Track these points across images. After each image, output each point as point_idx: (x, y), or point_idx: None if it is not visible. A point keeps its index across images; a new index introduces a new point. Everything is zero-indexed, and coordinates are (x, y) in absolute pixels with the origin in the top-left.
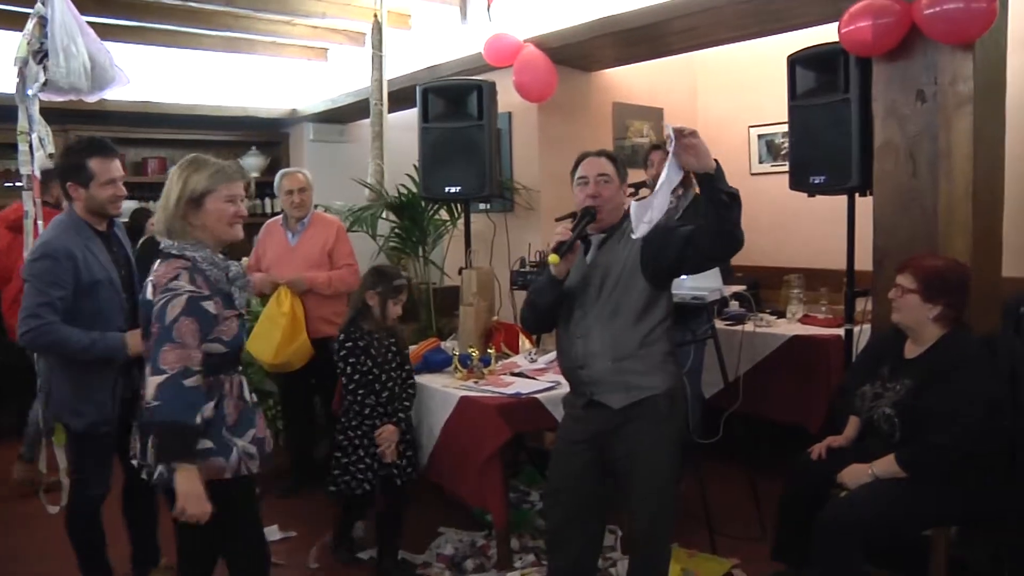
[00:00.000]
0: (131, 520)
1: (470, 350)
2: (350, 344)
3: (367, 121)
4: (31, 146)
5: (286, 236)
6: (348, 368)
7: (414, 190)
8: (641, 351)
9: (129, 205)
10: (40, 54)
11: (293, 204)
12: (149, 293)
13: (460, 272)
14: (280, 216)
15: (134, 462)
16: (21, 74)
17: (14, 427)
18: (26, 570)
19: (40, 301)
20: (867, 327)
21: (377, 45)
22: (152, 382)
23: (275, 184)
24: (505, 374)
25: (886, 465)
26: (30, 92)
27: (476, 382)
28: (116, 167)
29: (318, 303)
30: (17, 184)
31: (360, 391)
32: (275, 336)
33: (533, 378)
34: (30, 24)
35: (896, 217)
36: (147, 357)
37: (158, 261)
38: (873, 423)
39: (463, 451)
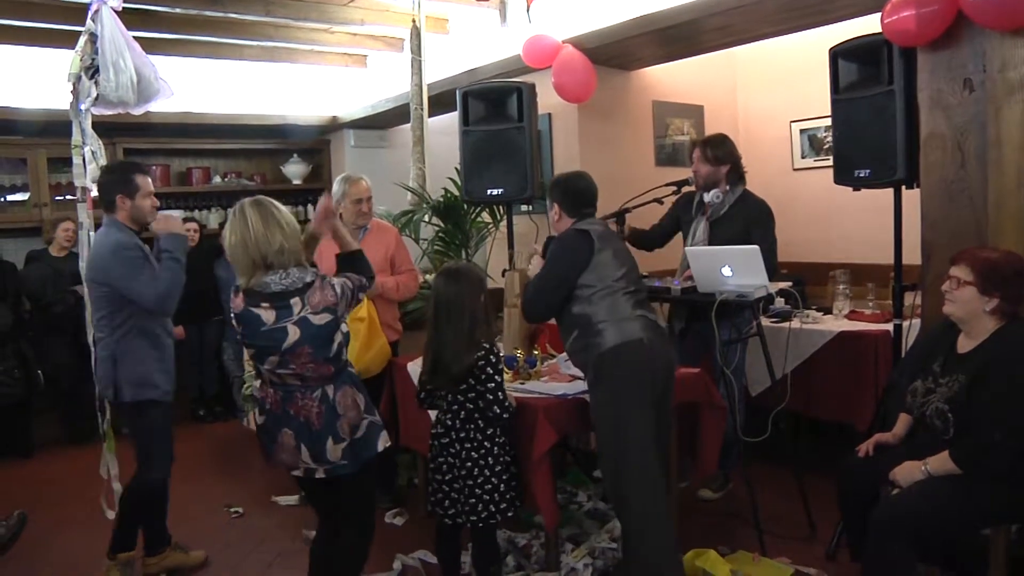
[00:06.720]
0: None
1: (515, 351)
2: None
3: (407, 126)
4: (84, 159)
5: None
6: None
7: (456, 193)
8: None
9: (175, 215)
10: (91, 70)
11: (360, 213)
12: (316, 319)
13: (503, 274)
14: None
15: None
16: (74, 90)
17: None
18: (81, 573)
19: (142, 268)
20: (916, 322)
21: (416, 50)
22: None
23: (336, 190)
24: (551, 374)
25: (940, 462)
26: (83, 107)
27: (522, 383)
28: (151, 183)
29: (381, 309)
30: (70, 197)
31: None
32: (354, 344)
33: (580, 378)
34: (82, 41)
35: (944, 209)
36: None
37: (317, 289)
38: (925, 419)
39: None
